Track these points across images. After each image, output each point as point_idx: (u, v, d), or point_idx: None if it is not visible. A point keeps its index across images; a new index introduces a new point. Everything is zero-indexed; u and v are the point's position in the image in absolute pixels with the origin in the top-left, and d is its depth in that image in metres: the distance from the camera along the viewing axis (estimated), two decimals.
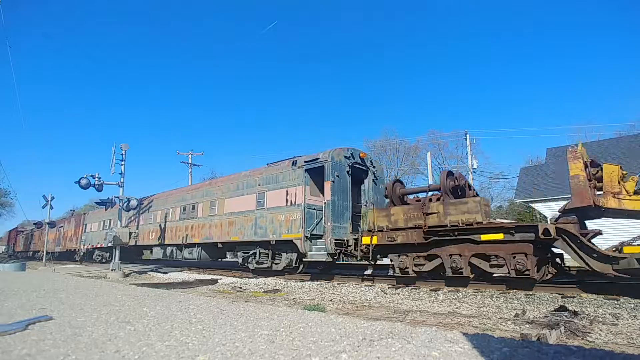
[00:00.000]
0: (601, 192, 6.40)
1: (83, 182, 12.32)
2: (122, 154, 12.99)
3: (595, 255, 5.89)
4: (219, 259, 14.57)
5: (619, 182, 6.28)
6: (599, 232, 6.54)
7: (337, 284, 8.42)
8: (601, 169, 6.48)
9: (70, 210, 35.89)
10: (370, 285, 7.92)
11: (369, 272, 9.98)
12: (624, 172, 6.42)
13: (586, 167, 6.45)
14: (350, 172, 10.10)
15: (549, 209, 16.05)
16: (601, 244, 6.54)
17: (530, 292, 6.26)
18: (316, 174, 9.98)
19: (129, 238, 13.08)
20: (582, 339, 3.54)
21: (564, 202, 6.80)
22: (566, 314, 4.50)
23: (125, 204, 13.69)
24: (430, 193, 8.42)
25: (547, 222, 7.84)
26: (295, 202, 9.89)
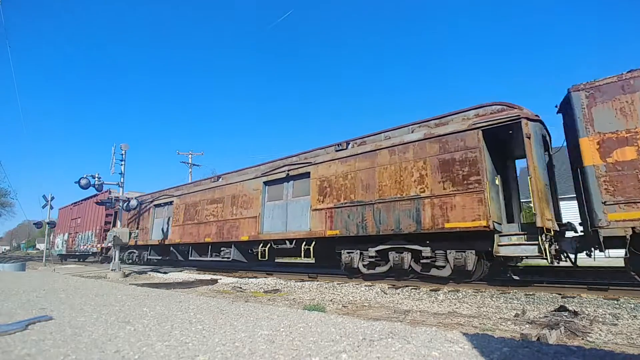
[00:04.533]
0: None
1: (83, 182, 12.31)
2: (122, 154, 12.99)
3: None
4: None
5: None
6: None
7: (337, 284, 8.42)
8: None
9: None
10: (370, 286, 7.91)
11: None
12: None
13: None
14: None
15: None
16: None
17: (530, 292, 6.27)
18: None
19: (129, 238, 13.09)
20: (582, 339, 3.54)
21: None
22: (566, 314, 4.50)
23: (126, 204, 13.69)
24: None
25: None
26: None
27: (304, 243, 9.53)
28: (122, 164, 12.99)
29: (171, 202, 15.35)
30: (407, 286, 7.73)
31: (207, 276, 11.50)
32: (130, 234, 13.16)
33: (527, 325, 4.01)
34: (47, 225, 22.78)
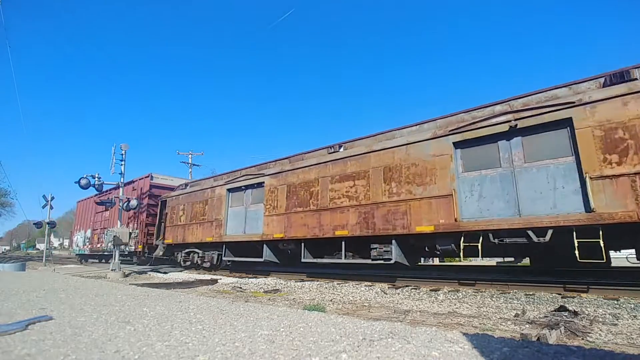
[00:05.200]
0: None
1: (83, 182, 12.33)
2: (122, 154, 13.01)
3: None
4: None
5: None
6: None
7: (337, 284, 8.42)
8: None
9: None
10: (370, 285, 7.92)
11: None
12: None
13: None
14: None
15: None
16: None
17: (530, 292, 6.26)
18: None
19: (129, 238, 13.09)
20: (582, 339, 3.54)
21: None
22: (566, 314, 4.51)
23: (126, 204, 13.69)
24: None
25: None
26: None
27: (575, 233, 5.84)
28: (122, 164, 13.01)
29: (260, 185, 11.25)
30: (407, 286, 7.73)
31: (207, 276, 11.51)
32: (130, 233, 13.15)
33: (527, 325, 4.01)
34: (47, 225, 22.75)
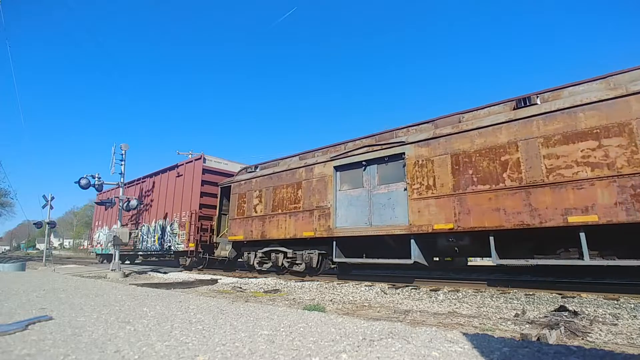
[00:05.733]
0: None
1: (83, 182, 12.32)
2: (122, 154, 13.00)
3: None
4: None
5: None
6: None
7: (337, 284, 8.42)
8: None
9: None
10: (370, 285, 7.92)
11: None
12: None
13: None
14: None
15: None
16: None
17: (531, 292, 6.26)
18: None
19: (129, 238, 13.07)
20: (582, 339, 3.54)
21: None
22: (566, 314, 4.51)
23: (126, 204, 13.69)
24: None
25: None
26: None
27: None
28: (122, 164, 13.00)
29: (394, 157, 8.25)
30: (407, 286, 7.74)
31: (207, 276, 11.51)
32: (130, 234, 13.13)
33: (527, 325, 4.01)
34: (47, 225, 22.75)
